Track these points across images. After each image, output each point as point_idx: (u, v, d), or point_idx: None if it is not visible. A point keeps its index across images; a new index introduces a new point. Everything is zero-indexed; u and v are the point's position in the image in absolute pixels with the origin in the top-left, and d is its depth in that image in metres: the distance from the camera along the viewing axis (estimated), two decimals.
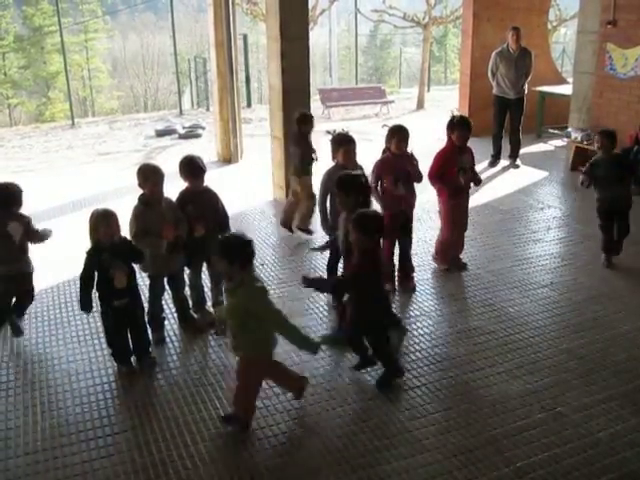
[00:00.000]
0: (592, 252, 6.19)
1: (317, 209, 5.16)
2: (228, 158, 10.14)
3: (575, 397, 4.04)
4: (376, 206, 5.42)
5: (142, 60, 36.22)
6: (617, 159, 5.76)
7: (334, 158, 5.12)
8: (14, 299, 4.85)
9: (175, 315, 5.03)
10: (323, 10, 19.22)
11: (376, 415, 3.89)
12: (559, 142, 10.66)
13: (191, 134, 13.53)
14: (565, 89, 10.75)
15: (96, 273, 4.15)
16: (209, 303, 5.13)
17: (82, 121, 17.83)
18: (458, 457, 3.53)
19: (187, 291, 5.04)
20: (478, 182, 5.80)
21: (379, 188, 5.36)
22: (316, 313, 5.16)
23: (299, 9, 7.29)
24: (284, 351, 4.56)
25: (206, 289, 5.14)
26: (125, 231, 4.35)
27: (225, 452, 3.61)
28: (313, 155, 6.43)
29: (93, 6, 33.64)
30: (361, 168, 5.21)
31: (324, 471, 3.44)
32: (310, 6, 12.27)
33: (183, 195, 4.78)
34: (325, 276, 5.40)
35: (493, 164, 9.59)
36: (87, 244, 4.21)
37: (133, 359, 4.41)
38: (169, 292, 4.93)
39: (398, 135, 5.23)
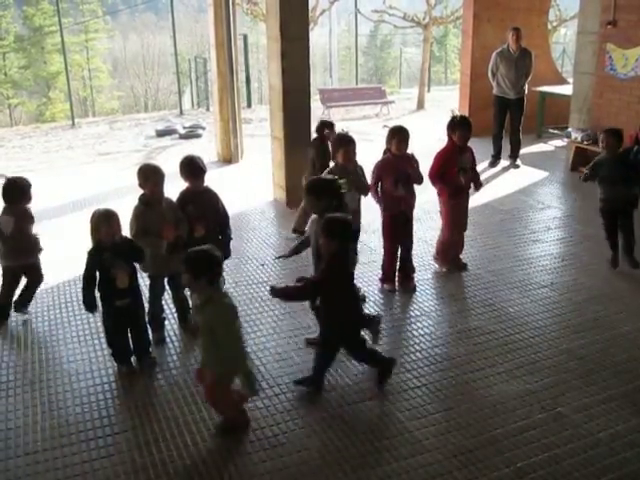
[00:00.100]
0: (592, 252, 6.19)
1: None
2: (228, 158, 10.14)
3: (575, 397, 4.04)
4: (367, 209, 5.42)
5: (142, 60, 36.23)
6: (622, 158, 5.69)
7: (334, 159, 5.12)
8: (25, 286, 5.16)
9: (175, 315, 5.03)
10: (323, 10, 19.23)
11: (376, 415, 3.89)
12: (559, 142, 10.65)
13: (191, 134, 13.53)
14: (565, 89, 10.75)
15: (98, 273, 4.15)
16: None
17: (82, 121, 17.83)
18: (458, 457, 3.53)
19: (187, 291, 5.04)
20: (478, 186, 5.80)
21: (379, 189, 5.36)
22: None
23: (299, 9, 7.29)
24: (284, 351, 4.58)
25: None
26: (126, 231, 4.36)
27: (225, 452, 3.61)
28: (330, 162, 6.38)
29: (93, 6, 33.65)
30: (361, 168, 5.22)
31: (324, 471, 3.44)
32: (310, 6, 12.26)
33: (183, 195, 4.78)
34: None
35: (493, 164, 9.59)
36: (88, 244, 4.21)
37: (133, 359, 4.41)
38: (169, 292, 4.94)
39: (398, 136, 5.23)
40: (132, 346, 4.39)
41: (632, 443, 3.62)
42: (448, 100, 16.96)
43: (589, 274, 5.80)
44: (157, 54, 35.77)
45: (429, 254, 6.19)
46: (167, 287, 4.87)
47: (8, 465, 3.52)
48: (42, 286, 5.44)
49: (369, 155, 6.25)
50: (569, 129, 9.50)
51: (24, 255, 4.95)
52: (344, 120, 15.43)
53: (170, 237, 4.50)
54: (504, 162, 9.61)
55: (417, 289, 5.54)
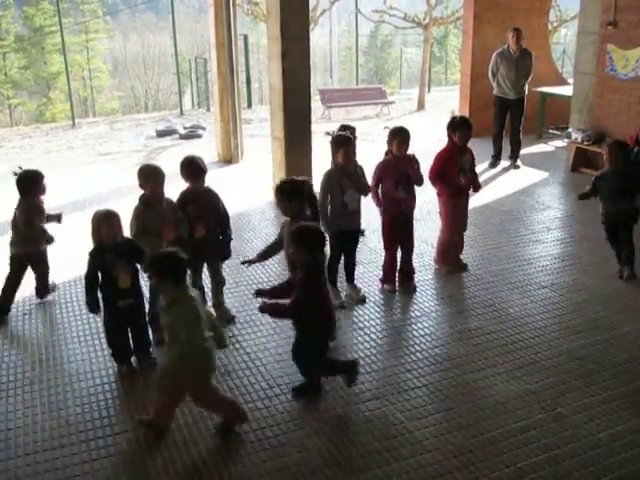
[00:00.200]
0: (593, 253, 6.19)
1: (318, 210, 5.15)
2: (229, 159, 10.14)
3: (575, 398, 4.04)
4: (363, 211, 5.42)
5: (143, 60, 36.24)
6: (624, 172, 5.50)
7: (334, 159, 5.12)
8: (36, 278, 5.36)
9: None
10: (324, 11, 19.23)
11: (376, 416, 3.89)
12: (559, 143, 10.65)
13: (192, 134, 13.53)
14: (566, 90, 10.75)
15: (100, 274, 4.15)
16: (209, 303, 5.13)
17: (83, 121, 17.84)
18: (458, 458, 3.53)
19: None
20: (477, 187, 5.80)
21: (379, 191, 5.36)
22: None
23: (300, 9, 7.29)
24: (284, 352, 4.57)
25: (207, 289, 5.14)
26: (126, 231, 4.36)
27: (225, 452, 3.60)
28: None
29: (94, 6, 33.66)
30: (361, 169, 5.22)
31: (324, 472, 3.44)
32: (311, 7, 12.27)
33: (184, 195, 4.79)
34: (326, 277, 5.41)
35: (493, 165, 9.59)
36: (88, 244, 4.22)
37: (133, 359, 4.41)
38: None
39: (399, 137, 5.23)
40: (132, 346, 4.39)
41: (632, 443, 3.62)
42: (448, 101, 16.97)
43: (589, 274, 5.80)
44: (157, 54, 35.78)
45: (429, 255, 6.19)
46: None
47: (8, 465, 3.52)
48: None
49: (370, 155, 6.26)
50: (569, 129, 9.50)
51: (32, 244, 5.13)
52: (344, 120, 15.43)
53: (170, 237, 4.51)
54: (504, 163, 9.61)
55: (417, 290, 5.54)
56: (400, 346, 4.68)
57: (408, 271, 5.59)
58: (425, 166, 5.45)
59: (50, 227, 5.30)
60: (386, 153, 5.46)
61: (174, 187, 4.77)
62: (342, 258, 5.35)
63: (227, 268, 5.40)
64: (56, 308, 5.33)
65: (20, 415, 3.93)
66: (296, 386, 4.09)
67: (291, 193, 4.31)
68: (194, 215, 4.69)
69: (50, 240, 5.23)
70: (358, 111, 17.01)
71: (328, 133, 5.31)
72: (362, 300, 5.33)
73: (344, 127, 6.33)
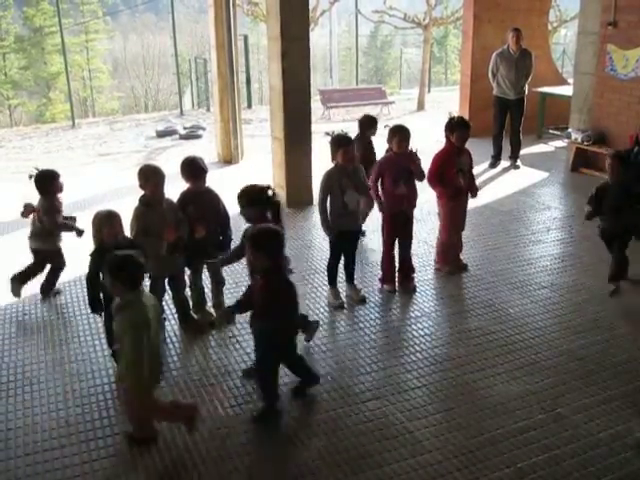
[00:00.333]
0: (592, 253, 6.19)
1: (318, 210, 5.16)
2: (228, 159, 10.14)
3: (575, 398, 4.04)
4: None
5: (143, 61, 36.23)
6: (625, 185, 5.30)
7: (334, 159, 5.12)
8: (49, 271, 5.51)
9: (175, 316, 5.03)
10: (324, 11, 19.25)
11: (376, 416, 3.89)
12: (559, 143, 10.65)
13: (192, 135, 13.54)
14: (566, 90, 10.75)
15: (101, 274, 4.15)
16: (209, 304, 5.14)
17: (83, 122, 17.84)
18: (459, 458, 3.53)
19: (187, 292, 5.05)
20: (474, 190, 5.79)
21: (379, 188, 5.37)
22: (316, 314, 5.15)
23: (300, 10, 7.29)
24: None
25: (206, 290, 5.14)
26: (127, 232, 4.36)
27: (225, 452, 3.60)
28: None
29: (94, 7, 33.65)
30: (361, 169, 5.21)
31: (324, 472, 3.44)
32: (311, 7, 12.27)
33: (184, 196, 4.79)
34: (326, 276, 5.42)
35: (493, 165, 9.59)
36: (89, 244, 4.22)
37: None
38: (169, 293, 4.94)
39: (399, 135, 5.25)
40: None
41: (632, 443, 3.61)
42: (448, 101, 16.98)
43: (589, 275, 5.79)
44: (157, 55, 35.77)
45: (429, 254, 6.19)
46: (167, 288, 4.88)
47: (8, 465, 3.52)
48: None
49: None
50: (569, 130, 9.50)
51: (47, 241, 5.32)
52: (344, 121, 15.44)
53: (170, 238, 4.51)
54: (504, 163, 9.61)
55: (417, 290, 5.54)
56: (400, 346, 4.68)
57: (408, 270, 5.59)
58: (425, 164, 5.46)
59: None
60: (387, 151, 5.47)
61: (174, 187, 4.78)
62: (342, 258, 5.35)
63: (227, 268, 5.40)
64: (56, 308, 5.33)
65: (20, 415, 3.93)
66: (256, 412, 3.88)
67: (253, 199, 4.25)
68: (194, 215, 4.69)
69: (80, 233, 5.30)
70: (358, 111, 16.95)
71: (328, 133, 5.31)
72: (362, 300, 5.33)
73: (369, 117, 6.33)
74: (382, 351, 4.61)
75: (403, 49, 30.93)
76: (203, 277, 5.09)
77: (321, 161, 6.26)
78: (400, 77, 28.87)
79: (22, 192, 5.54)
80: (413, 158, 5.25)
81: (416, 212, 5.60)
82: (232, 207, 5.14)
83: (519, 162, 9.53)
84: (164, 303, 4.91)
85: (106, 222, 4.10)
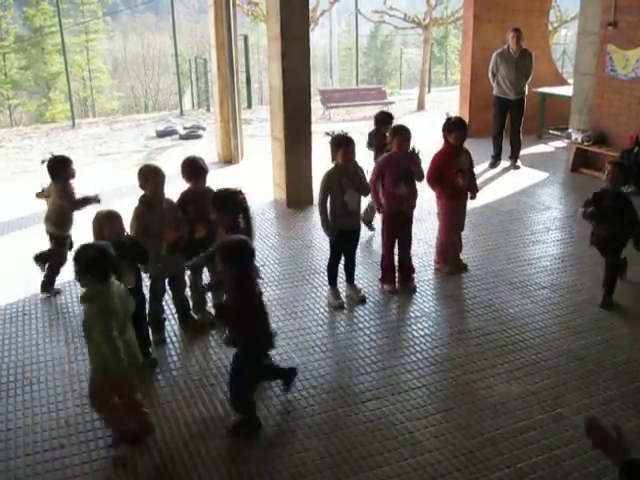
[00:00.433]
0: (592, 253, 6.17)
1: (318, 210, 5.16)
2: (229, 159, 10.14)
3: (575, 398, 4.04)
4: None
5: (143, 61, 36.24)
6: (621, 194, 5.20)
7: (334, 159, 5.12)
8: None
9: (175, 316, 5.03)
10: (324, 11, 19.23)
11: (376, 416, 3.89)
12: (560, 143, 10.65)
13: (192, 135, 13.53)
14: (566, 90, 10.75)
15: None
16: (209, 304, 5.13)
17: (83, 122, 17.84)
18: (459, 458, 3.53)
19: (187, 292, 5.05)
20: (474, 191, 5.80)
21: (381, 187, 5.37)
22: (316, 314, 5.15)
23: (300, 10, 7.29)
24: (284, 352, 4.57)
25: None
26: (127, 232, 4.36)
27: (225, 452, 3.60)
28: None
29: (94, 7, 33.65)
30: (361, 169, 5.21)
31: (324, 472, 3.44)
32: (311, 7, 12.27)
33: (184, 196, 4.79)
34: (327, 276, 5.42)
35: (493, 165, 9.59)
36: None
37: None
38: (169, 293, 4.94)
39: (400, 135, 5.25)
40: None
41: (632, 444, 3.60)
42: (448, 101, 16.97)
43: (589, 275, 5.79)
44: (157, 55, 35.78)
45: (429, 254, 6.19)
46: (167, 288, 4.87)
47: (8, 465, 3.52)
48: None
49: (371, 156, 6.26)
50: (569, 130, 9.50)
51: (58, 226, 5.41)
52: (344, 121, 15.43)
53: (170, 238, 4.50)
54: (504, 163, 9.61)
55: (417, 290, 5.54)
56: (400, 346, 4.68)
57: (407, 271, 5.60)
58: (425, 164, 5.46)
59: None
60: (387, 150, 5.47)
61: (174, 187, 4.78)
62: (342, 258, 5.35)
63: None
64: (56, 308, 5.33)
65: (20, 415, 3.93)
66: (230, 425, 3.78)
67: (225, 204, 4.20)
68: (194, 216, 4.69)
69: (97, 200, 5.41)
70: (358, 111, 17.00)
71: (328, 133, 5.31)
72: (362, 300, 5.33)
73: (384, 113, 6.32)
74: (382, 351, 4.61)
75: (403, 49, 30.94)
76: (203, 277, 5.08)
77: (321, 161, 6.26)
78: (400, 77, 28.87)
79: (42, 179, 5.60)
80: (414, 158, 5.25)
81: (416, 212, 5.60)
82: None
83: (519, 162, 9.53)
84: (164, 303, 4.91)
85: (107, 222, 4.09)
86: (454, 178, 5.55)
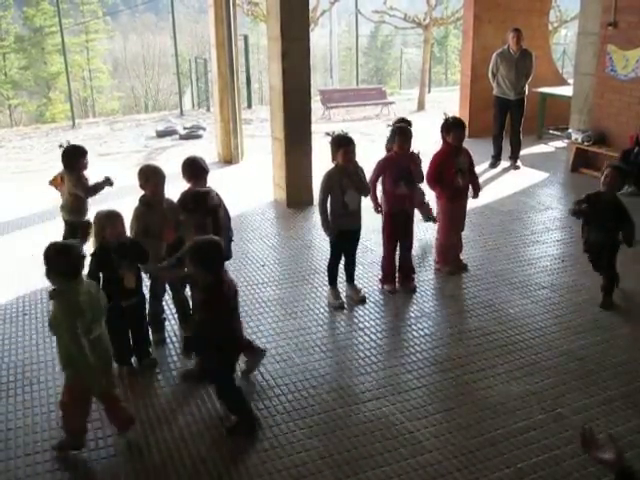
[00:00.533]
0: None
1: (318, 210, 5.16)
2: (229, 159, 10.14)
3: (575, 398, 4.04)
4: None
5: (143, 61, 36.24)
6: (617, 201, 5.06)
7: (334, 159, 5.12)
8: None
9: (175, 316, 5.03)
10: (324, 11, 19.23)
11: (377, 416, 3.89)
12: (560, 143, 10.66)
13: (192, 135, 13.53)
14: (566, 90, 10.75)
15: (104, 274, 4.15)
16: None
17: (83, 122, 17.83)
18: (459, 458, 3.53)
19: (188, 292, 5.04)
20: (477, 190, 5.80)
21: (381, 187, 5.37)
22: (316, 314, 5.15)
23: (300, 10, 7.29)
24: (284, 352, 4.57)
25: None
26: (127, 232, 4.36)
27: (225, 453, 3.60)
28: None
29: (94, 7, 33.65)
30: (362, 169, 5.21)
31: (324, 473, 3.44)
32: (311, 7, 12.27)
33: (185, 196, 4.77)
34: (327, 277, 5.42)
35: (493, 165, 9.59)
36: (90, 245, 4.21)
37: (133, 360, 4.41)
38: (169, 293, 4.93)
39: (401, 136, 5.25)
40: (132, 346, 4.39)
41: (632, 444, 3.61)
42: (448, 101, 16.97)
43: (589, 275, 5.77)
44: (157, 55, 35.78)
45: (429, 254, 6.19)
46: (167, 288, 4.87)
47: (8, 465, 3.52)
48: (42, 286, 5.45)
49: (372, 155, 6.25)
50: (569, 130, 9.50)
51: (72, 213, 5.55)
52: (345, 121, 15.44)
53: (170, 239, 4.50)
54: (504, 163, 9.61)
55: (417, 290, 5.54)
56: (400, 346, 4.68)
57: (408, 271, 5.60)
58: (425, 164, 5.46)
59: (49, 230, 5.28)
60: (388, 150, 5.47)
61: (174, 187, 4.77)
62: (342, 258, 5.35)
63: (227, 269, 5.39)
64: None
65: (20, 415, 3.93)
66: (230, 425, 3.77)
67: (193, 205, 4.15)
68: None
69: (110, 183, 5.60)
70: (358, 111, 17.01)
71: (328, 133, 5.31)
72: (362, 300, 5.33)
73: (402, 119, 6.26)
74: (382, 351, 4.61)
75: (403, 49, 30.93)
76: None
77: (321, 161, 6.26)
78: (400, 77, 28.88)
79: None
80: (414, 159, 5.26)
81: (416, 212, 5.60)
82: (232, 207, 5.15)
83: (519, 162, 9.53)
84: (164, 303, 4.92)
85: (108, 222, 4.09)
86: (454, 178, 5.56)
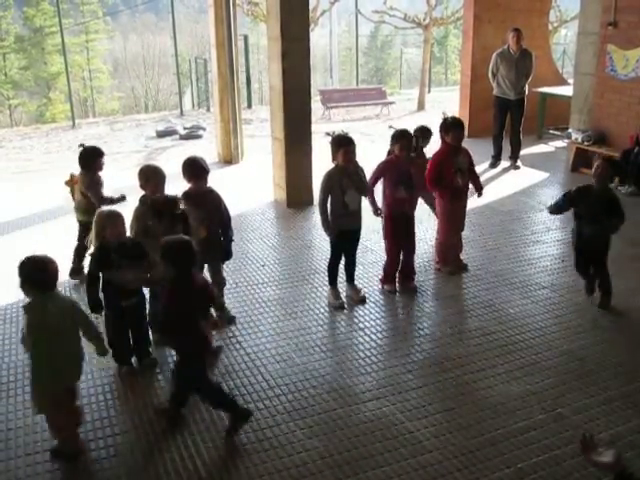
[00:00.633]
0: None
1: (319, 210, 5.16)
2: (229, 159, 10.14)
3: (576, 398, 4.04)
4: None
5: (143, 61, 36.24)
6: (609, 194, 4.98)
7: (334, 159, 5.12)
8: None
9: None
10: (324, 11, 19.23)
11: (377, 416, 3.89)
12: (560, 143, 10.66)
13: (192, 135, 13.53)
14: (566, 90, 10.76)
15: (105, 274, 4.14)
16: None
17: (83, 122, 17.84)
18: (459, 458, 3.53)
19: None
20: (479, 189, 5.81)
21: (378, 190, 5.37)
22: (317, 314, 5.15)
23: (300, 10, 7.29)
24: (284, 352, 4.57)
25: None
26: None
27: (225, 453, 3.60)
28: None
29: (94, 7, 33.65)
30: (362, 169, 5.21)
31: (324, 473, 3.44)
32: (311, 7, 12.27)
33: (186, 196, 4.78)
34: (327, 277, 5.42)
35: (494, 165, 9.59)
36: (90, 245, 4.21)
37: (133, 359, 4.41)
38: None
39: (401, 141, 5.24)
40: (132, 346, 4.39)
41: (632, 444, 3.61)
42: (449, 101, 16.97)
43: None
44: (157, 55, 35.78)
45: (429, 255, 6.19)
46: None
47: (8, 465, 3.52)
48: None
49: (372, 155, 6.25)
50: (569, 130, 9.50)
51: (86, 214, 5.42)
52: (345, 121, 15.44)
53: None
54: (504, 163, 9.61)
55: (417, 290, 5.54)
56: (400, 346, 4.68)
57: (408, 272, 5.60)
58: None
59: (49, 231, 5.26)
60: (389, 153, 5.47)
61: (175, 188, 4.77)
62: (342, 258, 5.35)
63: (226, 268, 5.41)
64: None
65: (20, 415, 3.93)
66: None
67: (160, 210, 4.13)
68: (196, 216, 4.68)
69: (124, 199, 5.57)
70: (358, 111, 17.01)
71: (328, 133, 5.31)
72: (362, 300, 5.33)
73: (422, 128, 6.21)
74: (382, 351, 4.61)
75: (403, 49, 30.93)
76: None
77: (321, 161, 6.26)
78: (400, 77, 28.87)
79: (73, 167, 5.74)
80: (414, 163, 5.27)
81: (416, 212, 5.60)
82: (232, 207, 5.15)
83: (519, 162, 9.53)
84: None
85: (109, 222, 4.09)
86: (453, 178, 5.56)
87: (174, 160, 9.53)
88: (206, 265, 5.00)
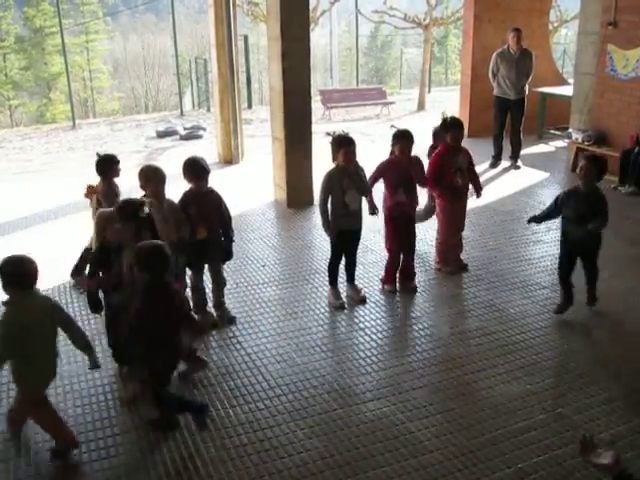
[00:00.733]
0: None
1: (319, 210, 5.16)
2: (229, 159, 10.14)
3: (576, 398, 4.03)
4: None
5: (143, 61, 36.25)
6: (596, 194, 4.80)
7: (334, 159, 5.12)
8: None
9: None
10: (324, 11, 19.22)
11: (377, 416, 3.89)
12: (560, 143, 10.65)
13: (192, 135, 13.53)
14: (566, 90, 10.75)
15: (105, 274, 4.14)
16: (210, 304, 5.13)
17: (83, 122, 17.83)
18: (459, 458, 3.53)
19: (188, 292, 5.04)
20: (479, 189, 5.80)
21: (378, 189, 5.37)
22: (317, 314, 5.15)
23: (300, 10, 7.29)
24: (285, 352, 4.57)
25: (207, 290, 5.14)
26: None
27: (226, 453, 3.60)
28: None
29: (94, 7, 33.64)
30: (362, 169, 5.21)
31: (325, 473, 3.44)
32: (311, 7, 12.26)
33: (186, 196, 4.78)
34: (327, 277, 5.42)
35: (494, 165, 9.59)
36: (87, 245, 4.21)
37: None
38: None
39: (402, 141, 5.24)
40: None
41: (632, 444, 3.61)
42: (449, 101, 16.96)
43: None
44: (157, 55, 35.78)
45: (430, 255, 6.19)
46: None
47: (8, 465, 3.52)
48: (43, 287, 5.43)
49: (372, 156, 6.26)
50: (570, 130, 9.49)
51: None
52: (345, 121, 15.43)
53: (171, 239, 4.49)
54: (505, 163, 9.60)
55: (418, 290, 5.54)
56: (401, 346, 4.68)
57: (409, 272, 5.59)
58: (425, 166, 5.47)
59: (49, 231, 5.25)
60: (391, 153, 5.48)
61: (175, 188, 4.77)
62: (343, 258, 5.35)
63: (227, 269, 5.40)
64: None
65: None
66: (152, 419, 3.82)
67: (127, 214, 4.08)
68: (196, 216, 4.69)
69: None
70: (358, 111, 17.00)
71: (329, 133, 5.30)
72: (362, 300, 5.33)
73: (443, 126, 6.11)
74: (382, 351, 4.61)
75: (403, 49, 30.92)
76: (204, 278, 5.08)
77: (322, 161, 6.26)
78: (400, 77, 28.86)
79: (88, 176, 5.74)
80: (414, 164, 5.27)
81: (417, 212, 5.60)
82: (232, 207, 5.15)
83: (519, 162, 9.53)
84: None
85: (109, 222, 4.09)
86: (452, 178, 5.55)
87: (174, 160, 9.53)
88: (206, 265, 5.01)
